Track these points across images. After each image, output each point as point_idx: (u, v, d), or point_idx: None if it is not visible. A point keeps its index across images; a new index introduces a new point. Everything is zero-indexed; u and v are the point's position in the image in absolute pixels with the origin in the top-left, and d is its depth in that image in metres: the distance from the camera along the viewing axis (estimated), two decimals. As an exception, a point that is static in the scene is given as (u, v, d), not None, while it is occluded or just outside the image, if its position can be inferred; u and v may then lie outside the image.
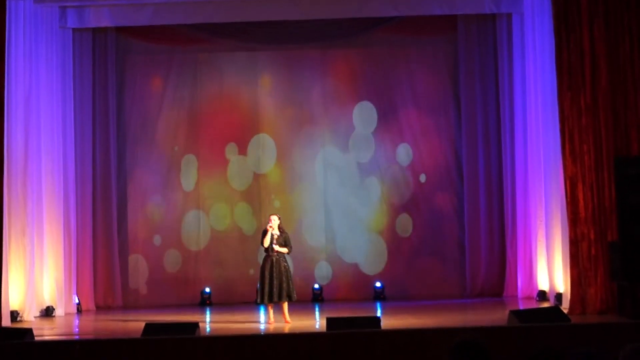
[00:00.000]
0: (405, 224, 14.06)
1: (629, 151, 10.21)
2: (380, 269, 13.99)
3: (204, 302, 13.64)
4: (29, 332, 8.19)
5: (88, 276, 13.44)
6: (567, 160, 10.43)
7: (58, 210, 12.62)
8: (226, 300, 13.53)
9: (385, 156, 14.15)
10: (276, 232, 10.56)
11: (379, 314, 11.62)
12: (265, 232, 10.59)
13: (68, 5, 12.83)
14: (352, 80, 14.26)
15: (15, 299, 11.32)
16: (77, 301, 13.02)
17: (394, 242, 14.03)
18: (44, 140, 12.35)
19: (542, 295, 12.27)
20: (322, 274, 14.00)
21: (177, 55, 14.23)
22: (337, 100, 14.23)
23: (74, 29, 13.30)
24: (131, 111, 14.16)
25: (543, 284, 12.32)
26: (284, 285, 10.41)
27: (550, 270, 11.89)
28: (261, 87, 14.31)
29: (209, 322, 11.49)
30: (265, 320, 10.87)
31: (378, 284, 13.77)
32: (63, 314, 12.40)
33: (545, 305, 11.41)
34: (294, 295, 10.56)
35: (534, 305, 11.74)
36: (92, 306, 13.38)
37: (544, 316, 8.42)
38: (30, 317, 11.58)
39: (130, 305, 13.61)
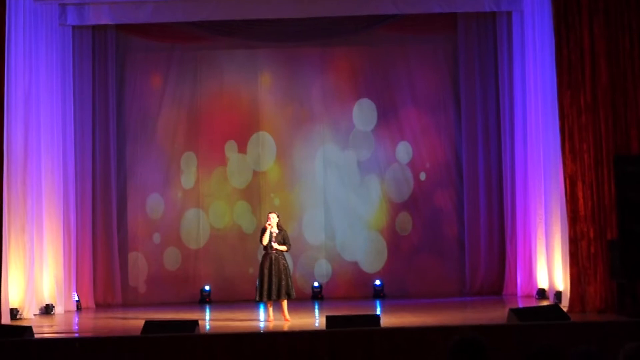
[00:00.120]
0: (405, 222, 14.07)
1: (629, 149, 10.20)
2: (380, 267, 14.00)
3: (204, 300, 13.65)
4: (28, 329, 8.18)
5: (88, 274, 13.45)
6: (567, 158, 10.42)
7: (58, 207, 12.62)
8: (226, 298, 13.54)
9: (385, 154, 14.15)
10: (275, 230, 10.55)
11: (378, 312, 11.61)
12: (264, 230, 10.58)
13: (68, 3, 12.83)
14: (352, 78, 14.26)
15: (14, 297, 11.32)
16: (76, 299, 13.03)
17: (394, 240, 14.03)
18: (44, 137, 12.35)
19: (542, 293, 12.28)
20: (321, 272, 14.00)
21: (177, 52, 14.22)
22: (337, 98, 14.23)
23: (73, 27, 13.30)
24: (131, 109, 14.16)
25: (542, 282, 12.33)
26: (283, 283, 10.41)
27: (549, 269, 11.90)
28: (261, 85, 14.31)
29: (208, 319, 11.49)
30: (264, 318, 10.88)
31: (378, 282, 13.77)
32: (63, 312, 12.41)
33: (545, 303, 11.40)
34: (293, 293, 10.56)
35: (533, 303, 11.73)
36: (91, 304, 13.39)
37: (544, 314, 8.41)
38: (29, 315, 11.58)
39: (130, 303, 13.61)
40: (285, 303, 10.51)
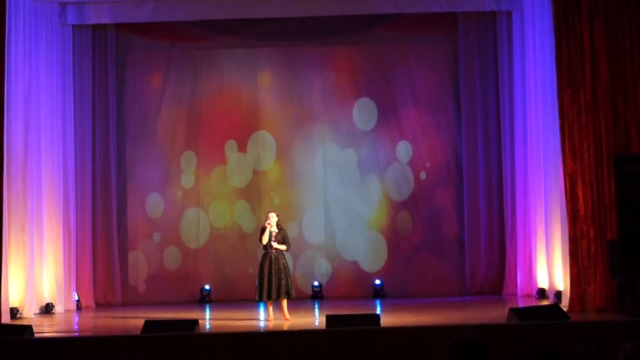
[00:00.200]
0: (405, 221, 14.06)
1: (629, 148, 10.19)
2: (380, 267, 14.00)
3: (204, 299, 13.65)
4: (28, 328, 8.18)
5: (88, 273, 13.45)
6: (567, 157, 10.42)
7: (58, 207, 12.62)
8: (226, 298, 13.55)
9: (385, 153, 14.14)
10: (274, 230, 10.55)
11: (378, 311, 11.61)
12: (263, 230, 10.58)
13: (68, 2, 12.84)
14: (352, 78, 14.26)
15: (14, 296, 11.32)
16: (76, 298, 13.03)
17: (394, 240, 14.03)
18: (44, 137, 12.35)
19: (542, 293, 12.28)
20: (321, 272, 14.00)
21: (177, 52, 14.22)
22: (337, 98, 14.22)
23: (73, 26, 13.30)
24: (131, 108, 14.16)
25: (542, 282, 12.33)
26: (283, 282, 10.40)
27: (549, 268, 11.89)
28: (261, 84, 14.30)
29: (208, 319, 11.49)
30: (264, 318, 10.88)
31: (377, 282, 13.77)
32: (63, 311, 12.41)
33: (545, 303, 11.40)
34: (293, 293, 10.56)
35: (533, 303, 11.73)
36: (91, 303, 13.40)
37: (544, 314, 8.41)
38: (29, 314, 11.58)
39: (130, 302, 13.61)
40: (285, 302, 10.51)
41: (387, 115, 14.17)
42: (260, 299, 10.54)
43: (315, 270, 13.99)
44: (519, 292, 12.98)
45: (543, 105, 11.85)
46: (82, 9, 13.00)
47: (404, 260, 13.96)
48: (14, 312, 11.16)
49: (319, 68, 14.26)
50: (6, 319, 10.56)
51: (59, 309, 12.36)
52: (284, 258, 10.60)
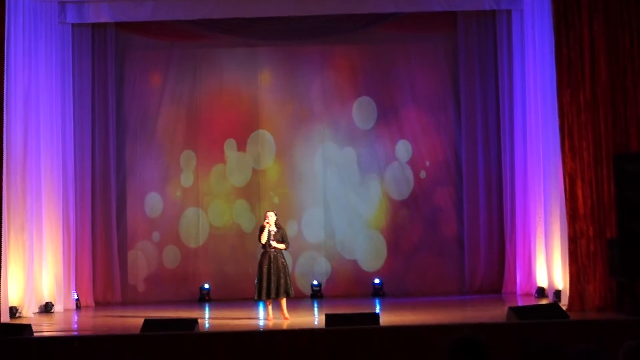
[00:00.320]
0: (405, 220, 14.06)
1: (629, 148, 10.19)
2: (379, 266, 13.99)
3: (203, 299, 13.65)
4: (27, 328, 8.18)
5: (87, 272, 13.44)
6: (567, 156, 10.42)
7: (57, 206, 12.62)
8: (225, 297, 13.54)
9: (385, 152, 14.14)
10: (273, 229, 10.55)
11: (377, 310, 11.62)
12: (262, 229, 10.58)
13: (67, 1, 12.85)
14: (351, 77, 14.26)
15: (14, 295, 11.32)
16: (76, 297, 13.03)
17: (393, 239, 14.03)
18: (43, 135, 12.34)
19: (541, 291, 12.28)
20: (321, 271, 14.00)
21: (176, 50, 14.22)
22: (336, 97, 14.22)
23: (73, 25, 13.29)
24: (130, 107, 14.15)
25: (542, 281, 12.33)
26: (282, 281, 10.40)
27: (549, 267, 11.89)
28: (261, 83, 14.30)
29: (208, 318, 11.50)
30: (264, 317, 10.88)
31: (377, 281, 13.77)
32: (62, 310, 12.41)
33: (544, 301, 11.40)
34: (292, 292, 10.57)
35: (532, 301, 11.73)
36: (91, 302, 13.39)
37: (543, 313, 8.41)
38: (29, 313, 11.58)
39: (129, 301, 13.61)
40: (284, 301, 10.51)
41: (387, 114, 14.17)
42: (260, 298, 10.54)
43: (314, 269, 13.99)
44: (519, 291, 12.98)
45: (543, 104, 11.85)
46: (81, 7, 12.99)
47: (404, 260, 13.95)
48: (13, 311, 11.16)
49: (319, 67, 14.26)
50: (5, 318, 10.57)
51: (58, 308, 12.35)
52: (283, 257, 10.60)
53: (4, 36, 10.64)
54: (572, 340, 4.71)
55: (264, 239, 10.50)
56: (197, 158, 14.15)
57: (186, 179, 14.13)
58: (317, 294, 13.73)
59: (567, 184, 10.40)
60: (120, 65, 14.09)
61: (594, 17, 10.40)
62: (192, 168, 14.15)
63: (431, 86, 14.17)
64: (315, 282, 13.82)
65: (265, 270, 10.42)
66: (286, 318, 10.44)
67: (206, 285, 13.76)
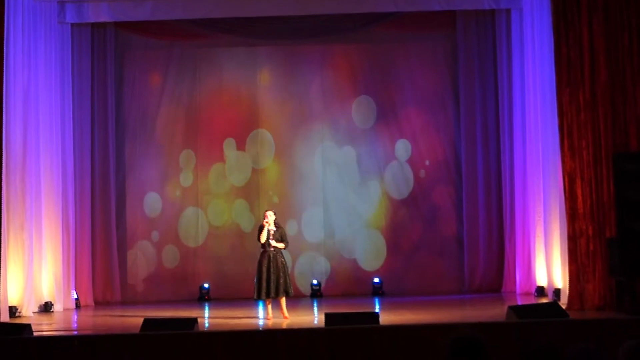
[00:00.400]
0: (404, 219, 14.06)
1: (628, 147, 10.20)
2: (379, 265, 14.00)
3: (203, 298, 13.65)
4: (27, 327, 8.17)
5: (87, 272, 13.44)
6: (566, 155, 10.42)
7: (57, 205, 12.62)
8: (224, 296, 13.55)
9: (384, 152, 14.14)
10: (272, 228, 10.55)
11: (377, 309, 11.63)
12: (261, 228, 10.59)
13: (67, 0, 12.84)
14: (351, 76, 14.25)
15: (13, 295, 11.32)
16: (75, 296, 13.03)
17: (393, 238, 14.03)
18: (43, 135, 12.34)
19: (541, 291, 12.29)
20: (320, 270, 14.00)
21: (176, 50, 14.21)
22: (336, 96, 14.22)
23: (72, 24, 13.28)
24: (130, 106, 14.15)
25: (541, 280, 12.34)
26: (281, 280, 10.41)
27: (548, 266, 11.90)
28: (260, 83, 14.30)
29: (207, 317, 11.49)
30: (263, 316, 10.88)
31: (376, 280, 13.78)
32: (62, 310, 12.41)
33: (544, 301, 11.41)
34: (291, 291, 10.58)
35: (532, 300, 11.74)
36: (90, 302, 13.39)
37: (542, 312, 8.41)
38: (28, 313, 11.58)
39: (129, 300, 13.61)
40: (283, 300, 10.51)
41: (386, 113, 14.17)
42: (259, 298, 10.54)
43: (314, 268, 13.99)
44: (518, 290, 12.98)
45: (542, 103, 11.85)
46: (81, 7, 12.99)
47: (403, 259, 13.96)
48: (12, 310, 11.16)
49: (318, 66, 14.26)
50: (5, 318, 10.56)
51: (57, 307, 12.36)
52: (283, 256, 10.61)
53: (3, 36, 10.63)
54: (571, 339, 4.71)
55: (263, 239, 10.51)
56: (196, 157, 14.15)
57: (185, 179, 14.13)
58: (316, 294, 13.73)
59: (566, 183, 10.41)
60: (119, 65, 14.09)
61: (593, 16, 10.40)
62: (192, 167, 14.14)
63: (430, 85, 14.17)
64: (314, 282, 13.82)
65: (264, 269, 10.43)
66: (286, 317, 10.44)
67: (206, 285, 13.77)
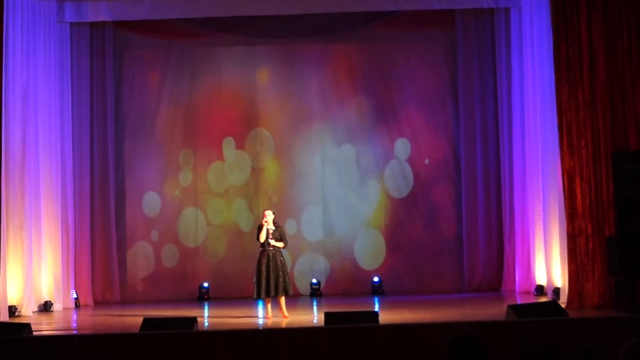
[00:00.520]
0: (403, 218, 14.06)
1: (627, 145, 10.20)
2: (378, 264, 14.00)
3: (202, 297, 13.65)
4: (27, 327, 8.16)
5: (86, 271, 13.44)
6: (565, 154, 10.42)
7: (56, 205, 12.61)
8: (224, 295, 13.55)
9: (384, 151, 14.14)
10: (271, 227, 10.56)
11: (376, 308, 11.63)
12: (260, 228, 10.59)
13: None
14: (350, 75, 14.25)
15: (13, 294, 11.32)
16: (75, 296, 13.03)
17: (392, 237, 14.03)
18: (42, 134, 12.34)
19: (540, 289, 12.29)
20: (320, 269, 14.00)
21: (175, 49, 14.21)
22: (335, 95, 14.22)
23: (71, 23, 13.28)
24: (129, 106, 14.14)
25: (541, 279, 12.34)
26: (281, 279, 10.41)
27: (548, 265, 11.90)
28: (259, 82, 14.29)
29: (207, 316, 11.49)
30: (263, 315, 10.88)
31: (376, 279, 13.78)
32: (61, 309, 12.41)
33: (543, 299, 11.41)
34: (290, 290, 10.58)
35: (531, 299, 11.74)
36: (90, 301, 13.39)
37: (542, 311, 8.40)
38: (28, 312, 11.58)
39: (128, 300, 13.61)
40: (283, 300, 10.52)
41: (386, 112, 14.16)
42: (259, 297, 10.54)
43: (313, 268, 13.99)
44: (517, 289, 12.98)
45: (541, 102, 11.85)
46: (80, 6, 12.98)
47: (403, 258, 13.96)
48: (12, 310, 11.16)
49: (318, 65, 14.26)
50: (5, 317, 10.56)
51: (57, 307, 12.36)
52: (282, 255, 10.61)
53: (2, 35, 10.62)
54: (571, 338, 4.72)
55: (262, 238, 10.51)
56: (195, 157, 14.15)
57: (185, 178, 14.13)
58: (316, 293, 13.73)
59: (565, 182, 10.41)
60: (118, 64, 14.09)
61: (592, 15, 10.40)
62: (191, 167, 14.14)
63: (430, 84, 14.17)
64: (314, 281, 13.83)
65: (264, 268, 10.43)
66: (285, 316, 10.45)
67: (205, 284, 13.77)
